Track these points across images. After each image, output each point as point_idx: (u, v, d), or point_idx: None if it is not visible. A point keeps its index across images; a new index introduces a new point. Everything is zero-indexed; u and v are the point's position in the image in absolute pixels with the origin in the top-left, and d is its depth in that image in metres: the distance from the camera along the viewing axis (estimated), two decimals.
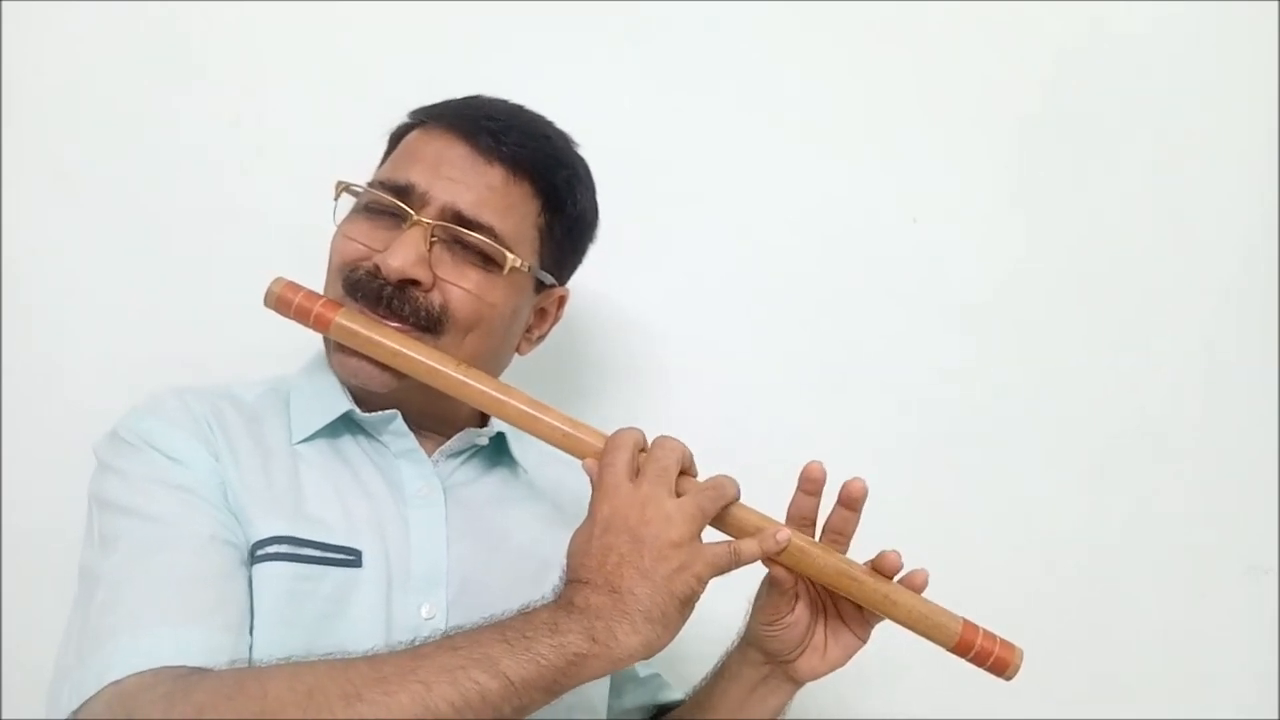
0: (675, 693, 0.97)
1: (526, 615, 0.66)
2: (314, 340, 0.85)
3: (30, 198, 1.09)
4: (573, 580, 0.68)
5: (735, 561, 0.71)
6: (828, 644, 0.80)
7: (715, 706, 0.86)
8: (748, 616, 0.83)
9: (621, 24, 1.19)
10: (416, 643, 0.66)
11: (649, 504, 0.68)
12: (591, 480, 0.73)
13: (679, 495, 0.70)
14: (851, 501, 0.76)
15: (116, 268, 1.10)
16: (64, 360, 1.08)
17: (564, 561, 0.71)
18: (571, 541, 0.71)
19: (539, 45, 1.17)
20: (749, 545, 0.72)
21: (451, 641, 0.64)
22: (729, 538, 0.73)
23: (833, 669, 0.80)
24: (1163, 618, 1.21)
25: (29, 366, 1.08)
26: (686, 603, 0.68)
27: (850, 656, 0.80)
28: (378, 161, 0.89)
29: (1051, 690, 1.15)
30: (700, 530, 0.70)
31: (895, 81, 1.24)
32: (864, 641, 0.80)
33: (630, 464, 0.71)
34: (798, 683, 0.82)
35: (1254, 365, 1.26)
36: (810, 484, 0.76)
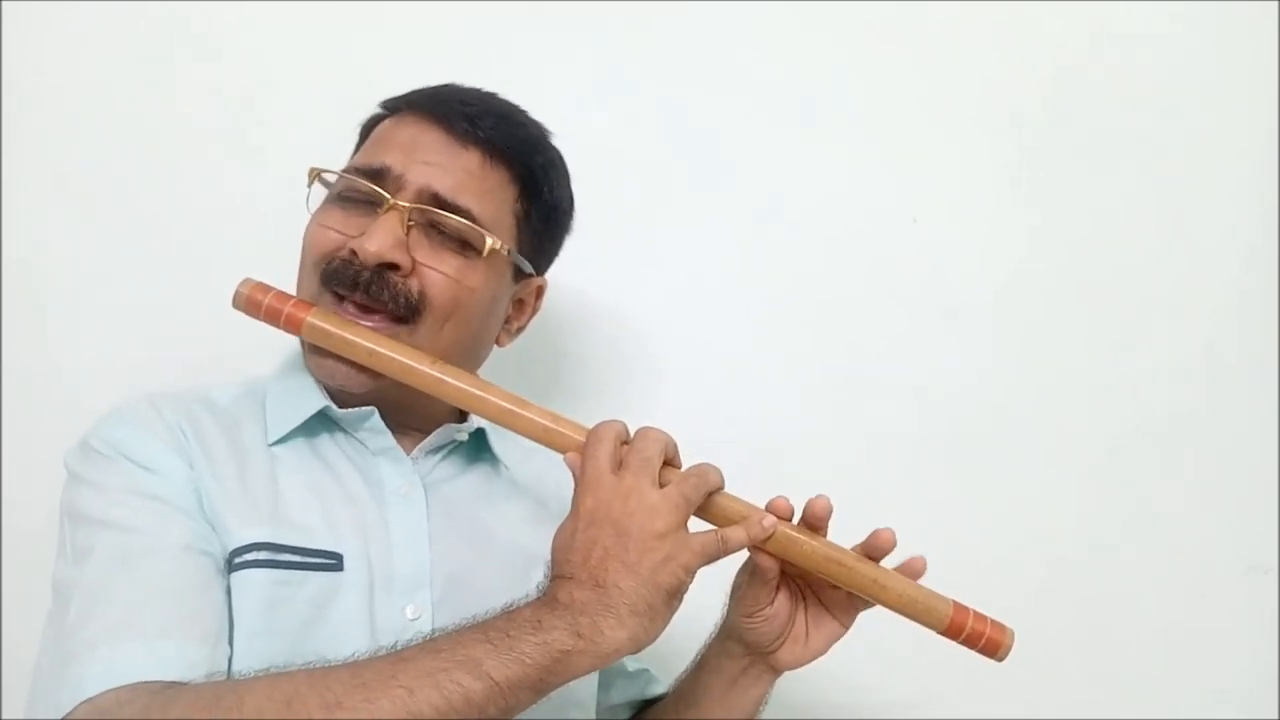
0: (661, 686, 0.97)
1: (510, 614, 0.65)
2: None
3: (30, 198, 1.09)
4: (557, 576, 0.67)
5: (723, 550, 0.70)
6: (809, 633, 0.79)
7: (698, 701, 0.85)
8: (725, 609, 0.82)
9: (621, 23, 1.19)
10: (399, 646, 0.65)
11: (632, 495, 0.67)
12: (574, 474, 0.72)
13: (662, 486, 0.69)
14: (816, 521, 0.75)
15: (117, 268, 1.10)
16: (64, 360, 1.08)
17: (548, 557, 0.70)
18: (555, 536, 0.70)
19: (539, 45, 1.17)
20: (736, 533, 0.71)
21: (434, 644, 0.63)
22: (713, 527, 0.72)
23: (814, 658, 0.80)
24: (1162, 617, 1.20)
25: (29, 366, 1.08)
26: (674, 594, 0.67)
27: (831, 644, 0.80)
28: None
29: (1052, 690, 1.16)
30: (685, 520, 0.69)
31: (895, 81, 1.24)
32: (846, 629, 0.80)
33: (613, 456, 0.70)
34: (778, 672, 0.81)
35: (1254, 365, 1.25)
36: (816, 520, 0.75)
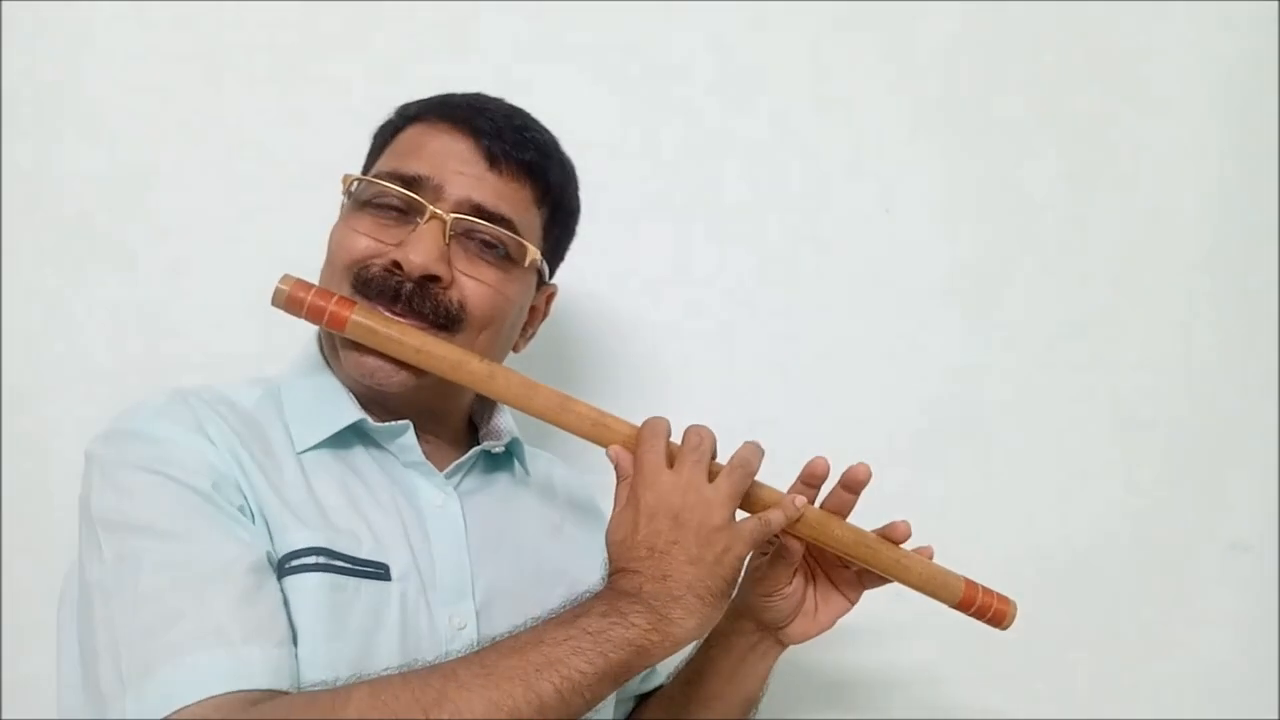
0: (657, 678, 0.99)
1: (584, 609, 0.67)
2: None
3: (30, 197, 1.07)
4: (621, 570, 0.70)
5: (767, 533, 0.74)
6: (818, 608, 0.84)
7: (704, 680, 0.88)
8: (737, 589, 0.83)
9: (603, 22, 1.20)
10: (464, 652, 0.67)
11: (690, 490, 0.71)
12: (617, 468, 0.74)
13: (711, 479, 0.72)
14: (854, 485, 0.79)
15: (118, 268, 1.08)
16: (64, 360, 1.06)
17: (603, 553, 0.72)
18: (613, 531, 0.72)
19: (524, 46, 1.19)
20: (775, 515, 0.74)
21: (515, 643, 0.65)
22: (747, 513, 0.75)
23: (821, 632, 0.85)
24: (1144, 596, 1.23)
25: (29, 367, 1.05)
26: (732, 582, 0.71)
27: (838, 619, 0.85)
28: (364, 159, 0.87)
29: (1034, 676, 1.20)
30: (734, 511, 0.73)
31: (869, 73, 1.25)
32: (853, 604, 0.85)
33: (667, 452, 0.73)
34: (785, 646, 0.86)
35: (1230, 346, 1.28)
36: (812, 478, 0.79)
